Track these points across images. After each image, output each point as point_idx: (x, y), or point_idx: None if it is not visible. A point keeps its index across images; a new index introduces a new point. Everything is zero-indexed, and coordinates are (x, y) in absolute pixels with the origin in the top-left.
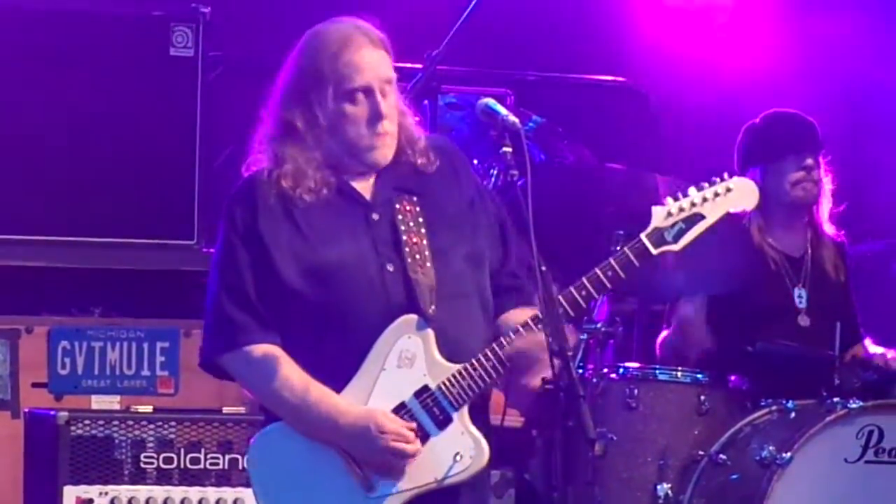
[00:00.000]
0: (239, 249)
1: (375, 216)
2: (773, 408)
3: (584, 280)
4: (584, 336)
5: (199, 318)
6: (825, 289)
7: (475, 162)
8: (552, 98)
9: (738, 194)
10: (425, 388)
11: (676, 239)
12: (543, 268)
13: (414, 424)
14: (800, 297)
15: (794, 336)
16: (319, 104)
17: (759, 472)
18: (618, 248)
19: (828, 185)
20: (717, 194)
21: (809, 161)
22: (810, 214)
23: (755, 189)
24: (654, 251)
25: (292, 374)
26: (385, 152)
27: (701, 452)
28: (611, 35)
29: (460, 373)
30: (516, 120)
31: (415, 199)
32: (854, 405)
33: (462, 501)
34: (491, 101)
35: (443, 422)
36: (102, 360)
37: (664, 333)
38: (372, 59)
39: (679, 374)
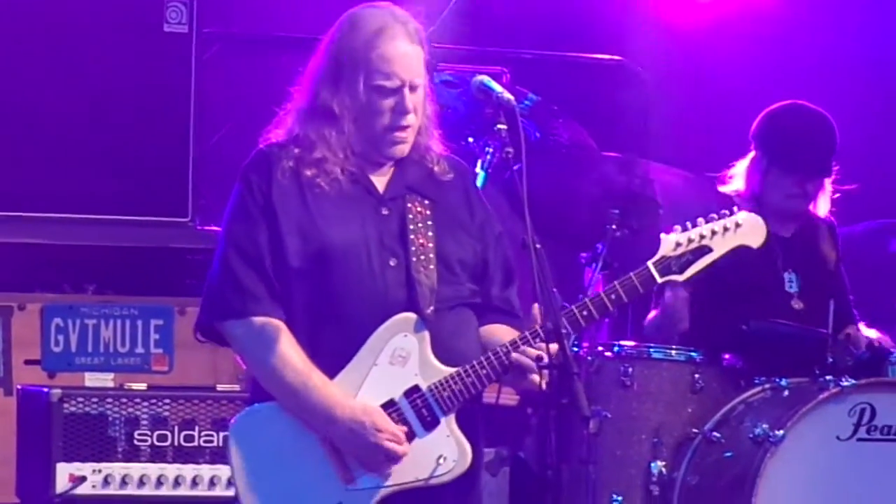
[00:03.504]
0: (256, 215)
1: (385, 211)
2: (767, 386)
3: (588, 301)
4: None
5: (194, 296)
6: (817, 271)
7: (470, 140)
8: (548, 76)
9: (746, 230)
10: (416, 388)
11: (682, 269)
12: (538, 245)
13: (405, 428)
14: (790, 281)
15: (788, 319)
16: (350, 91)
17: (752, 450)
18: (615, 230)
19: (829, 187)
20: (726, 228)
21: (810, 187)
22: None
23: (763, 227)
24: (658, 279)
25: (295, 355)
26: (404, 147)
27: (695, 430)
28: (608, 14)
29: (453, 377)
30: (511, 97)
31: (426, 202)
32: (847, 383)
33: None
34: (486, 79)
35: (430, 423)
36: (96, 338)
37: (651, 315)
38: (406, 53)
39: (673, 352)
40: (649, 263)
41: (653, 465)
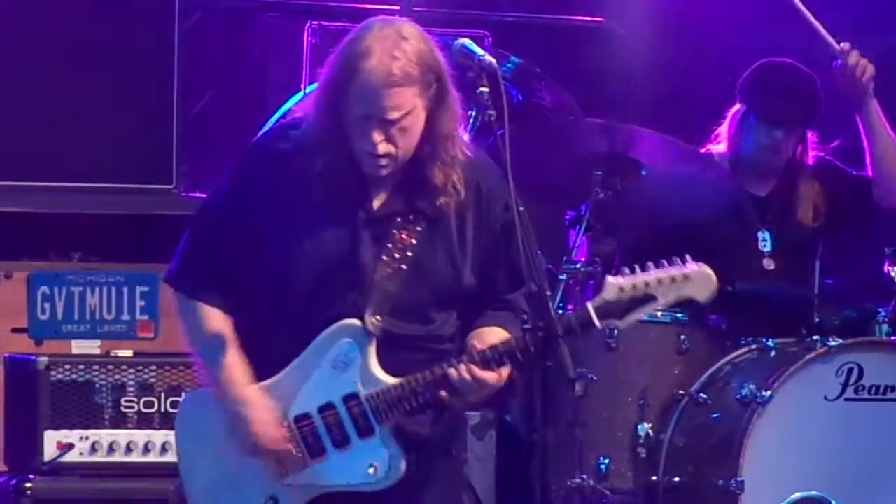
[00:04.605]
0: (231, 202)
1: (372, 228)
2: (753, 346)
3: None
4: (564, 276)
5: None
6: (794, 231)
7: None
8: (530, 39)
9: (695, 285)
10: (354, 395)
11: (623, 315)
12: (521, 208)
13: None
14: (763, 240)
15: (759, 278)
16: (342, 109)
17: (739, 411)
18: (599, 192)
19: (812, 139)
20: (673, 280)
21: (778, 135)
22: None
23: (713, 282)
24: (598, 324)
25: (220, 330)
26: (381, 171)
27: (681, 392)
28: None
29: (392, 388)
30: (493, 60)
31: (418, 228)
32: (834, 343)
33: None
34: (468, 42)
35: (365, 431)
36: (82, 305)
37: None
38: (373, 90)
39: (659, 314)
40: (589, 305)
41: (639, 426)
